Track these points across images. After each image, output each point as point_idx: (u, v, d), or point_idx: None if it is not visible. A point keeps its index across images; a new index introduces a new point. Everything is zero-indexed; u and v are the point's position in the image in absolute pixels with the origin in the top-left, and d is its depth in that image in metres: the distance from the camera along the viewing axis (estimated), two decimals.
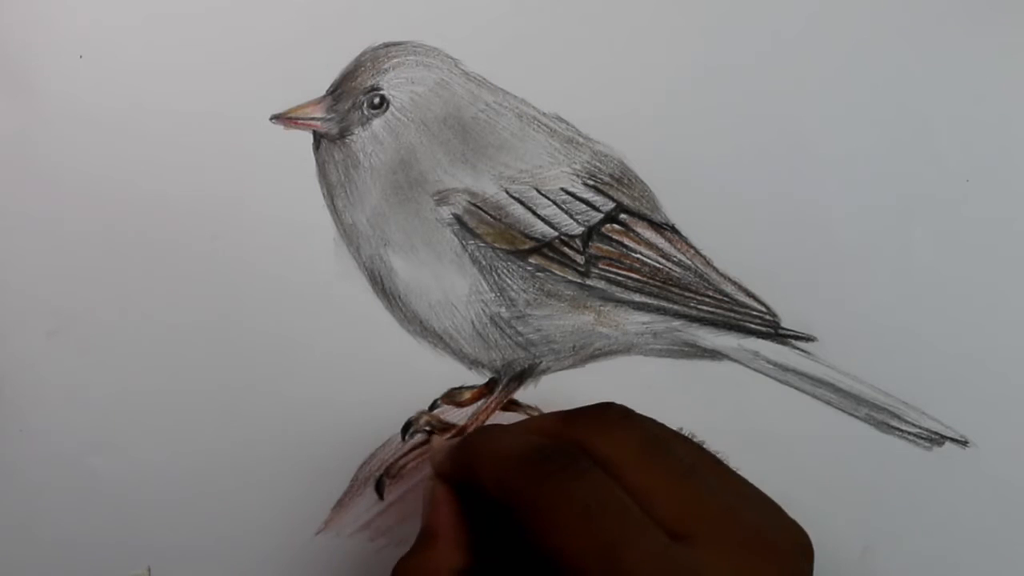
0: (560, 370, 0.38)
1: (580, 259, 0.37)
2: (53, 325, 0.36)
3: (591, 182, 0.38)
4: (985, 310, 0.39)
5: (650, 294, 0.38)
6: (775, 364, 0.38)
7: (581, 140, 0.38)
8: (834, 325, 0.38)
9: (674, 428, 0.29)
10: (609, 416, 0.29)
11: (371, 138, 0.37)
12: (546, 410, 0.38)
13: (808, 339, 0.38)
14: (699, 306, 0.38)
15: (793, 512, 0.28)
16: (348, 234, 0.37)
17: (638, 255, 0.37)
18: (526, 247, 0.37)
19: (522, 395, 0.38)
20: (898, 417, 0.38)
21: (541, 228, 0.37)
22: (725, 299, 0.38)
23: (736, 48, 0.39)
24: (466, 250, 0.37)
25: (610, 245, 0.37)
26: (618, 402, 0.29)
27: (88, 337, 0.36)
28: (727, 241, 0.38)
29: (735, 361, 0.38)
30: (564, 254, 0.37)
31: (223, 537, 0.36)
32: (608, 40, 0.38)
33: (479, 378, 0.38)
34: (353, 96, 0.37)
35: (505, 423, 0.31)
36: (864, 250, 0.39)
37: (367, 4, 0.37)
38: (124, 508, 0.36)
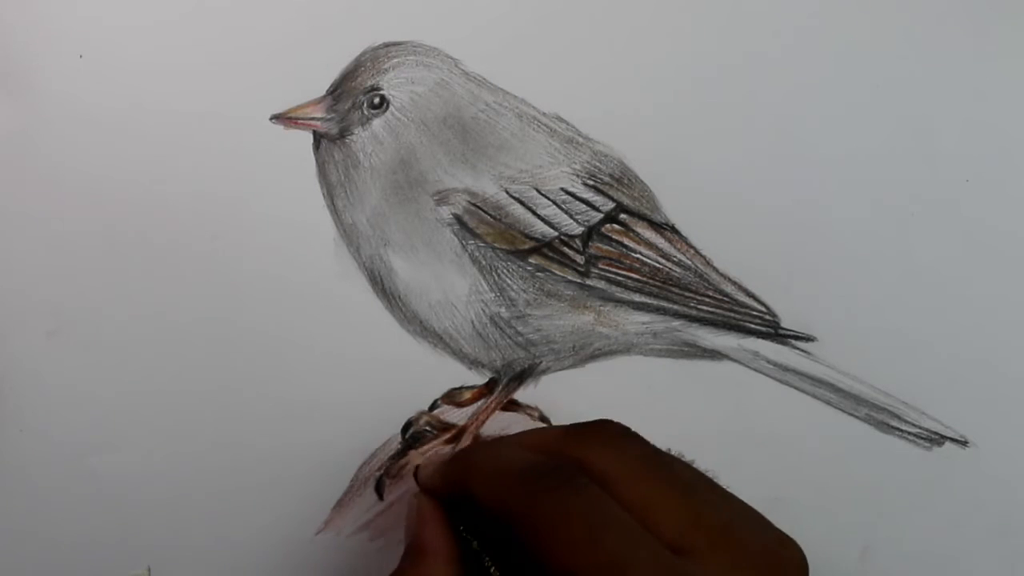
0: (560, 370, 0.38)
1: (580, 259, 0.37)
2: (53, 325, 0.36)
3: (591, 182, 0.38)
4: (985, 310, 0.39)
5: (650, 294, 0.38)
6: (775, 364, 0.38)
7: (581, 140, 0.38)
8: (834, 325, 0.38)
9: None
10: (607, 432, 0.29)
11: (371, 138, 0.37)
12: (546, 410, 0.38)
13: (808, 339, 0.38)
14: (699, 306, 0.38)
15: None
16: (348, 234, 0.37)
17: (638, 255, 0.38)
18: (526, 247, 0.37)
19: (522, 395, 0.38)
20: (898, 417, 0.38)
21: (541, 228, 0.37)
22: (725, 299, 0.38)
23: (736, 48, 0.39)
24: (466, 250, 0.37)
25: (610, 245, 0.37)
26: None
27: (88, 337, 0.36)
28: (727, 241, 0.38)
29: (735, 361, 0.38)
30: (564, 254, 0.37)
31: (223, 537, 0.36)
32: (608, 40, 0.38)
33: (479, 378, 0.38)
34: (353, 96, 0.37)
35: (499, 435, 0.31)
36: (864, 250, 0.39)
37: (367, 4, 0.37)
38: (124, 508, 0.36)
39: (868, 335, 0.38)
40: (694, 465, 0.29)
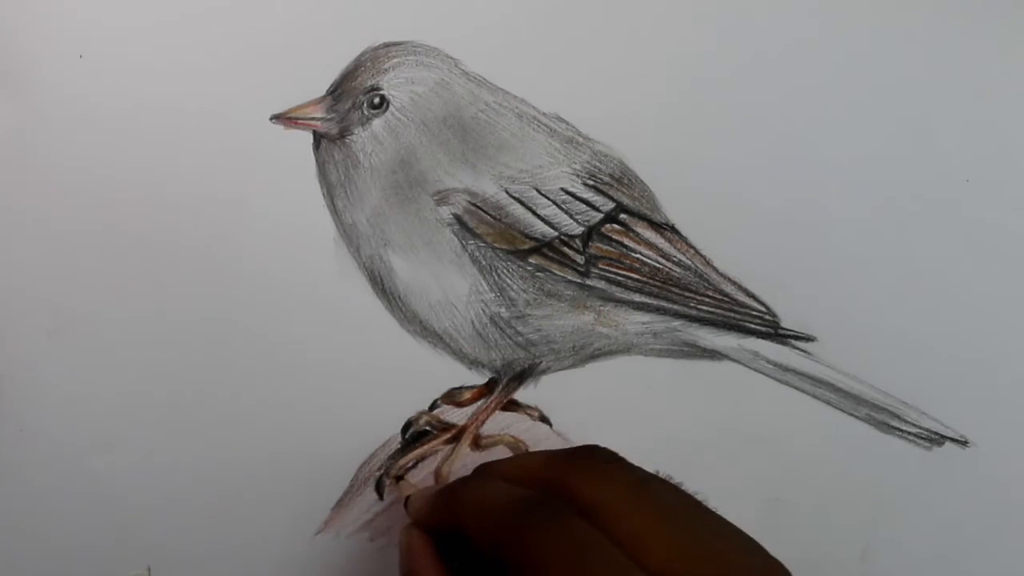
0: (560, 370, 0.38)
1: (580, 259, 0.37)
2: (53, 325, 0.36)
3: (591, 182, 0.38)
4: (985, 310, 0.39)
5: (650, 294, 0.38)
6: (775, 364, 0.38)
7: (581, 140, 0.38)
8: (834, 325, 0.38)
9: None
10: (594, 460, 0.29)
11: (371, 138, 0.37)
12: (546, 410, 0.38)
13: (808, 339, 0.38)
14: (699, 306, 0.38)
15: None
16: (348, 234, 0.37)
17: (638, 255, 0.38)
18: (526, 247, 0.37)
19: (522, 395, 0.38)
20: (898, 417, 0.38)
21: (541, 228, 0.37)
22: (725, 299, 0.38)
23: (736, 48, 0.39)
24: (466, 250, 0.37)
25: (610, 245, 0.37)
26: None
27: (88, 337, 0.36)
28: (727, 241, 0.38)
29: (735, 361, 0.38)
30: (564, 254, 0.37)
31: (223, 537, 0.36)
32: (608, 40, 0.38)
33: (479, 378, 0.38)
34: (353, 96, 0.37)
35: (487, 461, 0.31)
36: (864, 250, 0.39)
37: (367, 4, 0.37)
38: (124, 508, 0.36)
39: (868, 335, 0.38)
40: (682, 487, 0.29)
